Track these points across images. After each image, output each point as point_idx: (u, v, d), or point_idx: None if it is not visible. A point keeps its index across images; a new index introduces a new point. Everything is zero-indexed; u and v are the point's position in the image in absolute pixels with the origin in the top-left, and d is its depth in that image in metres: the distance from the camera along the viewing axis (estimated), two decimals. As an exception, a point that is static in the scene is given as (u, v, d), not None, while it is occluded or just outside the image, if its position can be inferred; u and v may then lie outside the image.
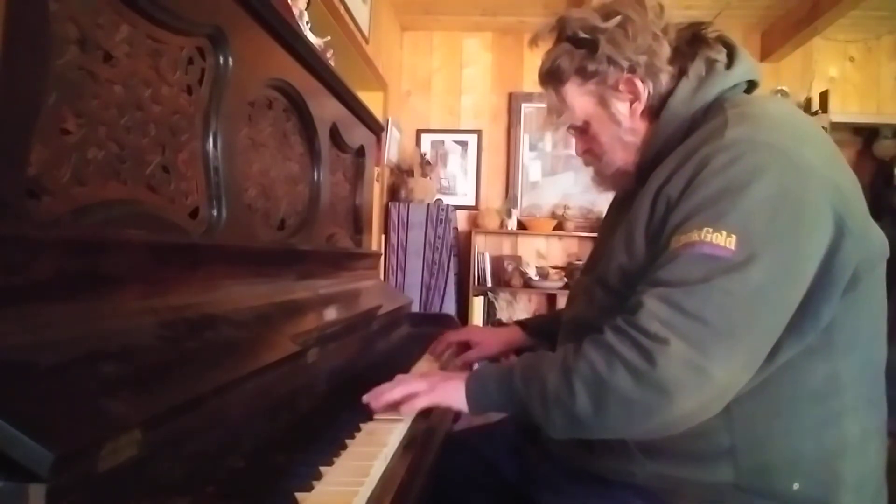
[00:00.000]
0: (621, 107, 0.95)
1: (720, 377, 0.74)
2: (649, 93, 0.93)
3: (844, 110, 3.80)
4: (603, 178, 1.04)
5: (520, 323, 1.35)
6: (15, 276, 0.52)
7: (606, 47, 0.92)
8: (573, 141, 1.05)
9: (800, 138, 0.82)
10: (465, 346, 1.34)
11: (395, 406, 0.92)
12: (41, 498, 0.42)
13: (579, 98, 0.97)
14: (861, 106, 3.92)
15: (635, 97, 0.94)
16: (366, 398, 0.94)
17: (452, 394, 0.91)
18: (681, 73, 0.93)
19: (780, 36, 3.73)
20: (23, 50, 0.55)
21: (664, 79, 0.93)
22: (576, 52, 0.95)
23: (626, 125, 0.96)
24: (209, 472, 0.65)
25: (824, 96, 3.68)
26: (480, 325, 3.77)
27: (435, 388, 0.92)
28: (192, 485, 0.61)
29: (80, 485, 0.45)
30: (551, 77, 0.99)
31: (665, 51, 0.92)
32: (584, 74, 0.95)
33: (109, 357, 0.57)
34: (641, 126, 0.96)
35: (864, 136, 3.85)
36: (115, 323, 0.62)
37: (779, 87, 3.78)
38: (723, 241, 0.75)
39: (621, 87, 0.94)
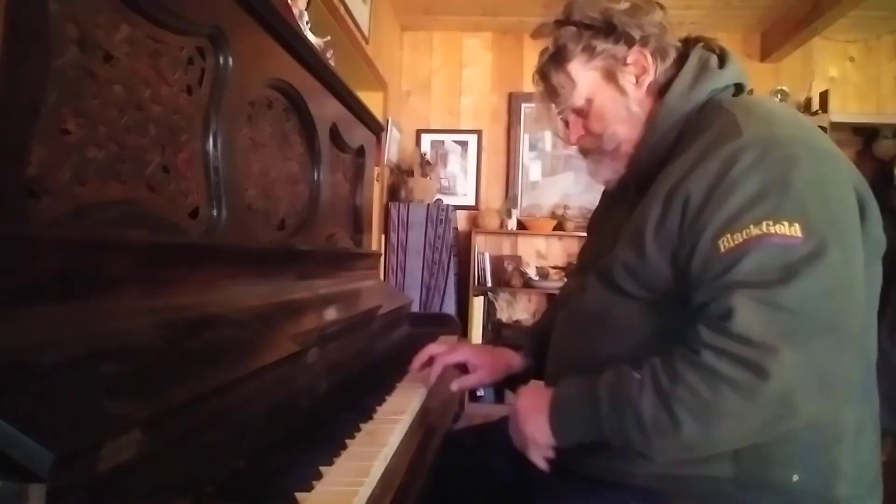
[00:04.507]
0: (629, 78, 0.96)
1: (837, 373, 0.73)
2: (657, 67, 0.95)
3: (844, 110, 3.78)
4: (599, 165, 1.02)
5: (514, 347, 1.25)
6: (15, 276, 0.52)
7: (621, 17, 0.94)
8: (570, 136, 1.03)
9: (812, 132, 0.86)
10: (462, 368, 1.21)
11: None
12: (41, 498, 0.42)
13: (584, 73, 0.97)
14: (861, 106, 3.91)
15: (643, 71, 0.95)
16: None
17: (540, 433, 0.90)
18: (681, 60, 0.95)
19: (780, 36, 3.72)
20: (23, 50, 0.55)
21: (671, 57, 0.96)
22: (583, 32, 0.96)
23: (632, 96, 0.96)
24: (209, 472, 0.65)
25: (824, 96, 3.67)
26: (480, 326, 3.77)
27: (523, 433, 0.92)
28: (192, 485, 0.61)
29: (80, 485, 0.45)
30: (554, 59, 0.98)
31: (671, 35, 0.96)
32: (591, 52, 0.96)
33: (109, 357, 0.57)
34: (647, 101, 0.97)
35: (864, 136, 3.83)
36: (115, 323, 0.62)
37: (779, 87, 3.77)
38: (787, 230, 0.75)
39: (629, 60, 0.95)
